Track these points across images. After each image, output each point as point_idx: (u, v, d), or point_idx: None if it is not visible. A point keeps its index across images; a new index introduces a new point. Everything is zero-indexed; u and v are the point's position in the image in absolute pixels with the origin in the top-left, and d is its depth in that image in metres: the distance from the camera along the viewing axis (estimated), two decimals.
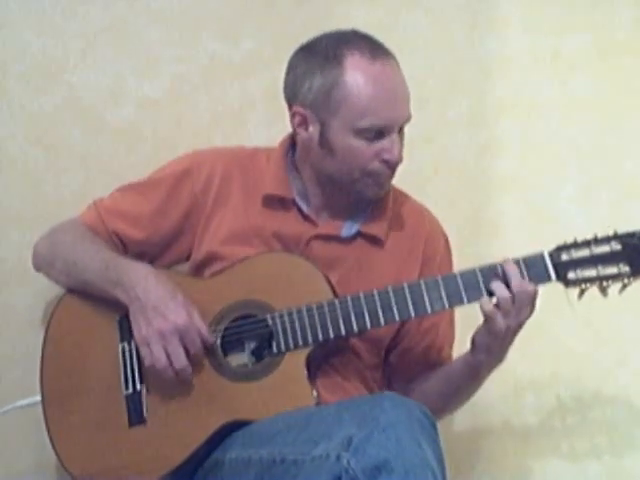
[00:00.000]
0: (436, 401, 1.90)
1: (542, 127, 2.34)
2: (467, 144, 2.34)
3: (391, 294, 1.81)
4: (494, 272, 1.78)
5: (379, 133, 1.84)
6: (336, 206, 1.95)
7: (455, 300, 1.80)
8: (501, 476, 2.29)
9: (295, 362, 1.82)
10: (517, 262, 1.78)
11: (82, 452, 1.88)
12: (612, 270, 1.75)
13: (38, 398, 1.93)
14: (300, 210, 1.95)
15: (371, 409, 1.62)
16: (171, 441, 1.83)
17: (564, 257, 1.77)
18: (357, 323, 1.82)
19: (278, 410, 1.78)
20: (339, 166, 1.88)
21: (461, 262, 1.95)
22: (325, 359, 1.88)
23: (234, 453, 1.77)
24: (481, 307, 1.77)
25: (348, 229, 1.95)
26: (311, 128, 1.88)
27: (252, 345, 1.87)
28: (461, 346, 1.93)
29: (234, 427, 1.81)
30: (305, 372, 1.82)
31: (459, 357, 1.94)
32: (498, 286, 1.76)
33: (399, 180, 1.96)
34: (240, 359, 1.87)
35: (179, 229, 1.98)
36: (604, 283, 1.75)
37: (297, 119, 1.89)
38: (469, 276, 1.79)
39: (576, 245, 1.77)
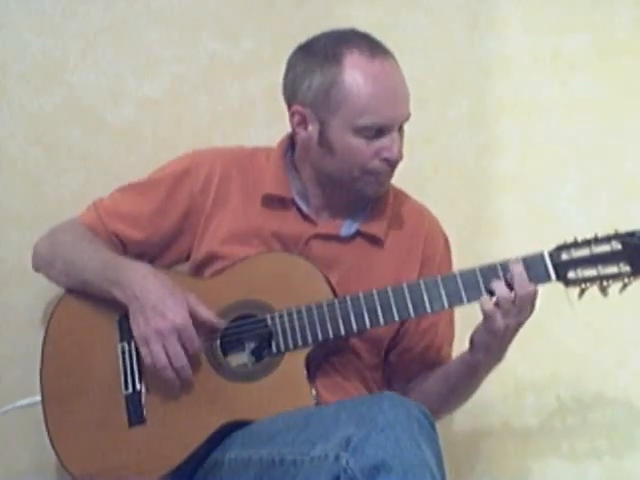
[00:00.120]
0: (435, 400, 1.90)
1: (542, 127, 2.34)
2: (467, 144, 2.34)
3: (390, 294, 1.81)
4: (494, 272, 1.78)
5: (379, 131, 1.84)
6: (335, 205, 1.95)
7: (455, 300, 1.79)
8: (501, 477, 2.29)
9: (295, 362, 1.82)
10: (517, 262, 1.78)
11: (82, 452, 1.88)
12: (612, 270, 1.75)
13: (38, 398, 1.93)
14: (299, 210, 1.95)
15: (370, 409, 1.62)
16: (171, 441, 1.83)
17: (564, 257, 1.77)
18: (356, 323, 1.82)
19: (278, 410, 1.78)
20: (339, 165, 1.88)
21: (461, 262, 1.95)
22: (325, 359, 1.88)
23: (233, 453, 1.77)
24: (481, 306, 1.76)
25: (347, 228, 1.95)
26: (310, 127, 1.88)
27: (252, 345, 1.87)
28: (460, 346, 1.93)
29: (234, 427, 1.81)
30: (305, 372, 1.82)
31: (457, 356, 1.94)
32: (498, 285, 1.76)
33: (399, 180, 1.96)
34: (240, 359, 1.87)
35: (179, 229, 1.98)
36: (604, 283, 1.75)
37: (296, 118, 1.89)
38: (469, 276, 1.79)
39: (576, 245, 1.76)
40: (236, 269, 1.90)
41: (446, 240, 2.04)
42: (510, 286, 1.75)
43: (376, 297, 1.81)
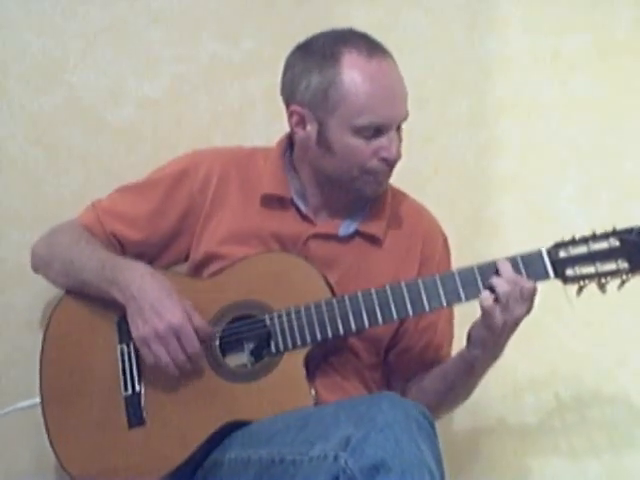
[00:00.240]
0: (433, 399, 1.90)
1: (542, 127, 2.34)
2: (467, 144, 2.34)
3: (389, 293, 1.81)
4: (492, 270, 1.78)
5: (377, 131, 1.84)
6: (334, 205, 1.95)
7: (453, 298, 1.79)
8: (500, 476, 2.28)
9: (294, 362, 1.82)
10: (515, 260, 1.78)
11: (82, 453, 1.88)
12: (610, 266, 1.75)
13: (38, 400, 1.93)
14: (298, 210, 1.95)
15: (369, 409, 1.62)
16: (170, 442, 1.83)
17: (562, 254, 1.77)
18: (355, 322, 1.82)
19: (277, 410, 1.78)
20: (337, 165, 1.88)
21: (461, 262, 1.93)
22: (324, 359, 1.88)
23: (233, 453, 1.77)
24: (480, 302, 1.76)
25: (346, 228, 1.95)
26: (309, 127, 1.88)
27: (251, 345, 1.87)
28: (460, 345, 1.93)
29: (233, 427, 1.81)
30: (304, 372, 1.82)
31: (455, 354, 1.94)
32: (497, 281, 1.76)
33: (399, 180, 1.96)
34: (239, 359, 1.87)
35: (177, 229, 1.98)
36: (602, 280, 1.75)
37: (295, 118, 1.89)
38: (467, 274, 1.79)
39: (574, 242, 1.76)
40: (235, 269, 1.90)
41: (445, 240, 2.03)
42: (510, 281, 1.75)
43: (375, 296, 1.81)
